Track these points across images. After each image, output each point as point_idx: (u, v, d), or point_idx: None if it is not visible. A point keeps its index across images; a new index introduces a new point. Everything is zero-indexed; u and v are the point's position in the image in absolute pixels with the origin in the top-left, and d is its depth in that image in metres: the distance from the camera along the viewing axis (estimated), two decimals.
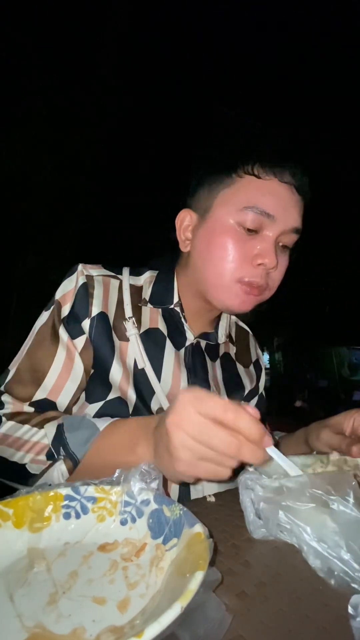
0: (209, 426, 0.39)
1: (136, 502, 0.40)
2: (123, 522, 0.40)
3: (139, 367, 0.69)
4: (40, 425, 0.59)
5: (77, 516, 0.40)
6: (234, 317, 0.92)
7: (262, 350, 0.99)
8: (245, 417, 0.39)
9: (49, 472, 0.56)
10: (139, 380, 0.68)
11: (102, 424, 0.56)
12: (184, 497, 0.66)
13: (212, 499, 0.54)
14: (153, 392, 0.68)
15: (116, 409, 0.65)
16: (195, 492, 0.67)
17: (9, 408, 0.63)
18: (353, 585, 0.34)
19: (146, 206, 4.55)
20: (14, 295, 4.64)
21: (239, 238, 0.65)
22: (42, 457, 0.57)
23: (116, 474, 0.43)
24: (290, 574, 0.38)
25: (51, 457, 0.56)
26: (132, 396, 0.67)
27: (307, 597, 0.35)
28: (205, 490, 0.67)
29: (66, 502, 0.41)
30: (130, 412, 0.66)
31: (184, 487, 0.68)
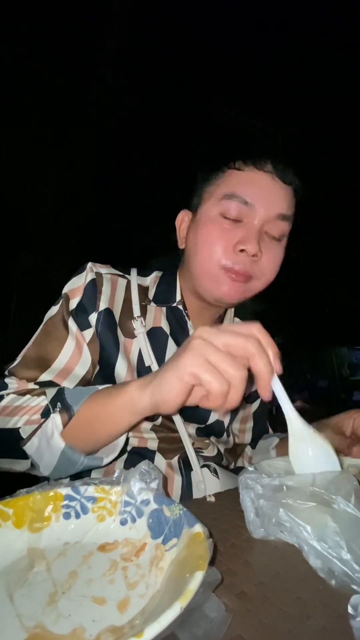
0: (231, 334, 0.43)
1: (136, 502, 0.40)
2: (123, 522, 0.40)
3: (146, 364, 0.70)
4: (42, 393, 0.59)
5: (77, 516, 0.40)
6: (237, 318, 0.92)
7: None
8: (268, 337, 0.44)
9: (44, 425, 0.54)
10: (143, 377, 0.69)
11: (105, 385, 0.56)
12: (185, 497, 0.66)
13: (212, 499, 0.54)
14: None
15: None
16: (197, 493, 0.67)
17: (12, 388, 0.63)
18: (353, 586, 0.34)
19: (146, 206, 4.55)
20: (14, 295, 4.63)
21: (222, 227, 0.67)
22: (37, 416, 0.55)
23: (116, 474, 0.43)
24: (290, 574, 0.38)
25: (46, 414, 0.55)
26: None
27: (307, 597, 0.34)
28: (207, 490, 0.67)
29: (66, 502, 0.40)
30: None
31: (187, 488, 0.68)
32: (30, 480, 0.59)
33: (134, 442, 0.69)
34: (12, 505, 0.39)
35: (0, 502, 0.39)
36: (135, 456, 0.68)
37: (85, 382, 0.67)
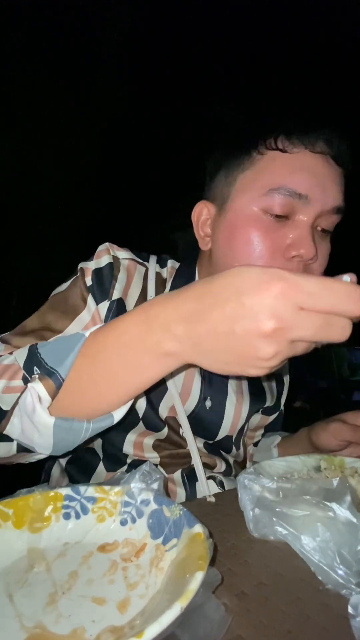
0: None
1: (136, 503, 0.40)
2: (123, 523, 0.40)
3: None
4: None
5: (77, 516, 0.40)
6: None
7: None
8: None
9: (21, 400, 0.42)
10: None
11: (90, 330, 0.43)
12: (187, 499, 0.66)
13: (212, 499, 0.54)
14: (165, 391, 0.65)
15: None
16: (199, 495, 0.66)
17: None
18: (344, 592, 0.34)
19: (149, 205, 4.55)
20: (14, 295, 4.63)
21: (266, 228, 0.54)
22: (19, 382, 0.43)
23: (117, 475, 0.43)
24: (290, 574, 0.38)
25: (28, 380, 0.43)
26: (141, 395, 0.61)
27: (307, 597, 0.34)
28: (209, 492, 0.67)
29: (66, 502, 0.40)
30: (141, 417, 0.64)
31: (190, 490, 0.67)
32: (30, 480, 0.59)
33: (133, 456, 0.66)
34: (12, 505, 0.39)
35: (0, 502, 0.39)
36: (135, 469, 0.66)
37: None
